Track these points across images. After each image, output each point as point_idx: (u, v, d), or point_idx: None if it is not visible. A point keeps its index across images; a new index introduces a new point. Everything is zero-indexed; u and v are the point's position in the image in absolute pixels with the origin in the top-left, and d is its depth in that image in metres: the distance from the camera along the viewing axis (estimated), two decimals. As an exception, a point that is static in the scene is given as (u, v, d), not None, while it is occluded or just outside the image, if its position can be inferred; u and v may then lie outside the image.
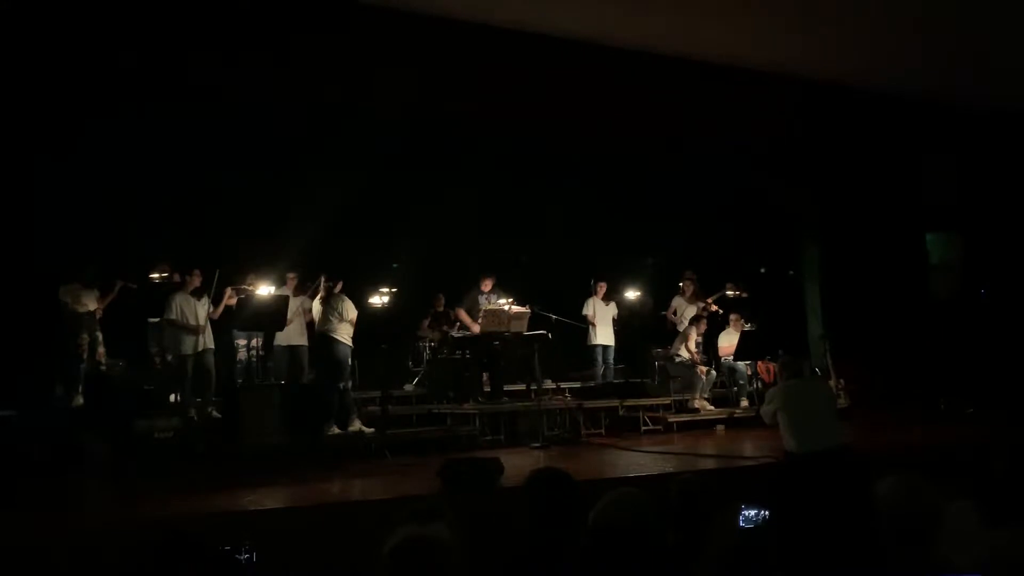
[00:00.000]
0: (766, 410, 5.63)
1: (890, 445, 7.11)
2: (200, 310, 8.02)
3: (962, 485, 3.59)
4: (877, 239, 11.36)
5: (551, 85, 7.96)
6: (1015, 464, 3.40)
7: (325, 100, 7.44)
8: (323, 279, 8.04)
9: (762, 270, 10.17)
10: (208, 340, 8.11)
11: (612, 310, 9.96)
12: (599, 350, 10.07)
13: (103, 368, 8.12)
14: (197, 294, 8.05)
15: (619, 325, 9.84)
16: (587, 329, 10.11)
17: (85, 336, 8.02)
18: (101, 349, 8.14)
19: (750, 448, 7.32)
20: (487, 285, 9.27)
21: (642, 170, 11.17)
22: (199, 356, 7.98)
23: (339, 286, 8.01)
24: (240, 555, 2.80)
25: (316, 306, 8.04)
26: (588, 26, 7.88)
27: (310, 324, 8.38)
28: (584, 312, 10.06)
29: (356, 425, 7.88)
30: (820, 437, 5.24)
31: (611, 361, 10.18)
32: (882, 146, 9.76)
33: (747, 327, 9.57)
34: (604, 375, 9.96)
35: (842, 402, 9.43)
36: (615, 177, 11.79)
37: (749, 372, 9.54)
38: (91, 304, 8.16)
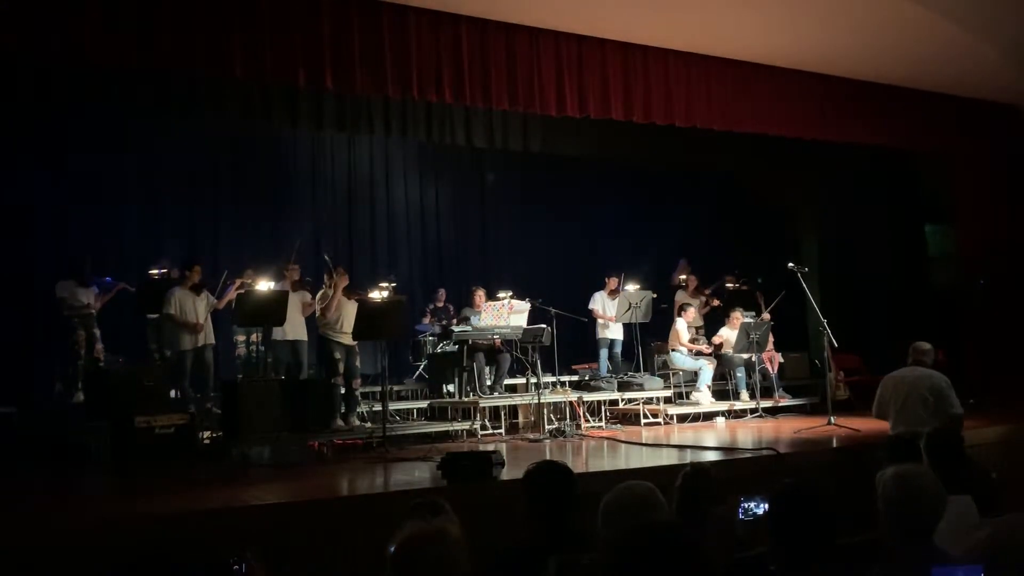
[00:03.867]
0: (877, 401, 6.01)
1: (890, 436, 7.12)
2: (200, 306, 8.00)
3: (960, 475, 3.61)
4: (876, 231, 11.36)
5: (544, 78, 7.92)
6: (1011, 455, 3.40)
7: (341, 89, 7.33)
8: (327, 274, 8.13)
9: (759, 280, 10.10)
10: (208, 336, 8.12)
11: (617, 304, 9.97)
12: (606, 343, 10.13)
13: (101, 364, 8.13)
14: (197, 289, 8.06)
15: (628, 319, 9.84)
16: (590, 323, 10.15)
17: (82, 332, 8.04)
18: (99, 345, 8.16)
19: (750, 441, 7.33)
20: (479, 300, 9.30)
21: (642, 164, 11.18)
22: (198, 352, 7.98)
23: (334, 281, 8.03)
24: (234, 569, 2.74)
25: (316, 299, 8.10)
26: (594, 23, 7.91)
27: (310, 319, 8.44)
28: (592, 306, 10.10)
29: (354, 421, 7.93)
30: (916, 422, 5.53)
31: (618, 355, 10.23)
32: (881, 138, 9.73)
33: (746, 319, 9.53)
34: (610, 369, 9.99)
35: (841, 394, 9.44)
36: (618, 172, 11.82)
37: (753, 359, 9.47)
38: (88, 301, 8.17)
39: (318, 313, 7.99)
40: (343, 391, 7.92)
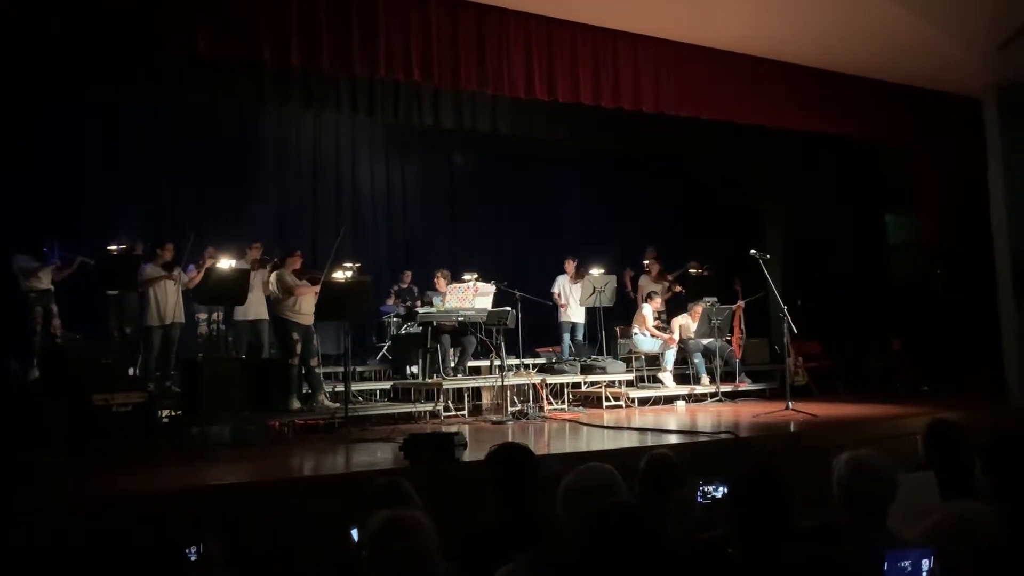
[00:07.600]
0: None
1: (848, 422, 7.26)
2: (170, 283, 7.91)
3: (917, 460, 3.68)
4: (838, 219, 11.51)
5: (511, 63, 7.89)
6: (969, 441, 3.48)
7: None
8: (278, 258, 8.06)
9: (739, 290, 10.16)
10: (179, 313, 8.03)
11: (580, 288, 10.01)
12: (568, 327, 10.20)
13: (58, 341, 7.99)
14: (168, 267, 7.94)
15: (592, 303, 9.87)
16: (555, 306, 10.20)
17: (39, 309, 7.90)
18: (56, 322, 8.02)
19: (710, 424, 7.42)
20: (441, 283, 9.25)
21: (611, 149, 11.20)
22: (166, 329, 7.90)
23: (289, 261, 7.92)
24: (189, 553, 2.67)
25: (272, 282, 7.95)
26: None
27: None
28: (553, 290, 10.15)
29: (320, 401, 7.86)
30: None
31: (580, 338, 10.29)
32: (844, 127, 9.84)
33: (707, 304, 9.61)
34: (573, 352, 10.04)
35: (800, 380, 9.58)
36: (587, 156, 11.83)
37: (714, 345, 9.54)
38: (45, 277, 8.02)
39: (280, 296, 7.86)
40: (303, 371, 7.82)
